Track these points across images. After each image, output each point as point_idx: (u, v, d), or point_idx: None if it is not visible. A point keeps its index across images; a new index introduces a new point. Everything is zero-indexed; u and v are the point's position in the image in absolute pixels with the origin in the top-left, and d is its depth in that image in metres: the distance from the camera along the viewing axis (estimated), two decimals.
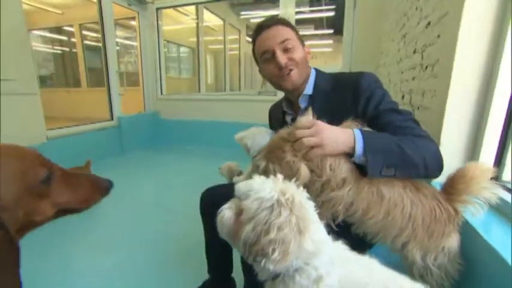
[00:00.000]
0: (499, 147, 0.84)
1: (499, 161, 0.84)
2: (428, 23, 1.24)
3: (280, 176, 0.53)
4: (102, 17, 3.18)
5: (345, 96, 0.80)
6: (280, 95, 0.93)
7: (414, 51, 1.45)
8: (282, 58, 0.82)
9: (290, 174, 0.62)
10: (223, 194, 0.99)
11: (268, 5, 5.38)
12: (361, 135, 0.65)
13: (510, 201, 0.77)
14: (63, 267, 1.41)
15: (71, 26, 5.78)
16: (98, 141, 3.20)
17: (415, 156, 0.65)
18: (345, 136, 0.66)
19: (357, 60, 3.08)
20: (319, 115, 0.80)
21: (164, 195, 2.35)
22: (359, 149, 0.64)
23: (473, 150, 0.89)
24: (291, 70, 0.83)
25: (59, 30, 6.13)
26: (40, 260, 1.39)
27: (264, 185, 0.50)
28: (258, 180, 0.53)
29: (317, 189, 0.65)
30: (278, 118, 1.02)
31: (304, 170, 0.62)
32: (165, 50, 6.43)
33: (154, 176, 2.86)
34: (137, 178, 2.78)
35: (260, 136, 0.97)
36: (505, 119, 0.82)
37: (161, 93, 4.15)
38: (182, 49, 6.79)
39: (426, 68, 1.20)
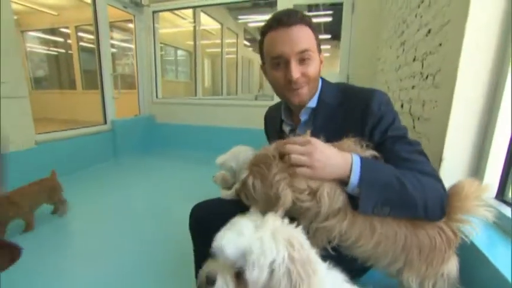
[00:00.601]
0: (505, 164, 0.80)
1: (505, 178, 0.80)
2: (429, 31, 1.21)
3: (271, 217, 0.46)
4: (96, 18, 3.12)
5: (352, 115, 0.72)
6: (278, 98, 0.86)
7: (414, 59, 1.41)
8: (295, 72, 0.71)
9: (270, 196, 0.58)
10: (214, 210, 0.94)
11: (266, 9, 5.36)
12: (360, 163, 0.59)
13: (511, 217, 0.73)
14: (55, 277, 1.35)
15: (66, 27, 5.72)
16: (90, 146, 3.11)
17: (417, 195, 0.57)
18: (340, 162, 0.59)
19: (355, 66, 3.06)
20: (321, 131, 0.73)
21: (159, 201, 2.27)
22: (354, 180, 0.57)
23: (478, 166, 0.85)
24: (301, 87, 0.74)
25: (54, 31, 6.07)
26: (29, 273, 1.33)
27: (265, 245, 0.41)
28: (251, 236, 0.43)
29: (311, 216, 0.59)
30: (275, 126, 0.94)
31: (288, 198, 0.56)
32: (162, 53, 6.40)
33: (148, 181, 2.79)
34: (131, 183, 2.72)
35: (244, 155, 0.91)
36: None
37: (157, 97, 4.09)
38: (180, 52, 6.75)
39: (427, 77, 1.16)
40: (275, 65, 0.74)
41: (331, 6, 3.21)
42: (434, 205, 0.59)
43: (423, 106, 1.18)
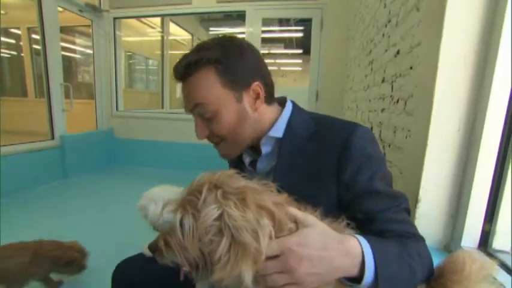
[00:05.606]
0: (488, 207, 0.69)
1: (490, 223, 0.69)
2: (398, 52, 1.13)
3: None
4: (42, 20, 2.76)
5: (326, 154, 0.56)
6: None
7: (383, 80, 1.33)
8: (199, 130, 0.60)
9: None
10: (142, 272, 0.74)
11: (238, 22, 5.30)
12: (372, 256, 0.43)
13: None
14: None
15: (17, 28, 5.19)
16: (34, 164, 2.74)
17: (421, 277, 0.48)
18: (344, 262, 0.43)
19: (324, 82, 3.03)
20: (286, 167, 0.59)
21: (107, 229, 1.98)
22: (368, 279, 0.43)
23: (457, 210, 0.74)
24: (216, 143, 0.63)
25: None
26: None
27: None
28: None
29: None
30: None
31: (247, 279, 0.39)
32: (132, 61, 6.03)
33: (98, 204, 2.47)
34: (77, 206, 2.39)
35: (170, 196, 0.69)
36: (494, 171, 0.68)
37: (117, 109, 3.76)
38: (153, 62, 6.44)
39: (398, 101, 1.07)
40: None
41: (302, 21, 3.18)
42: (429, 276, 0.50)
43: (394, 133, 1.08)
